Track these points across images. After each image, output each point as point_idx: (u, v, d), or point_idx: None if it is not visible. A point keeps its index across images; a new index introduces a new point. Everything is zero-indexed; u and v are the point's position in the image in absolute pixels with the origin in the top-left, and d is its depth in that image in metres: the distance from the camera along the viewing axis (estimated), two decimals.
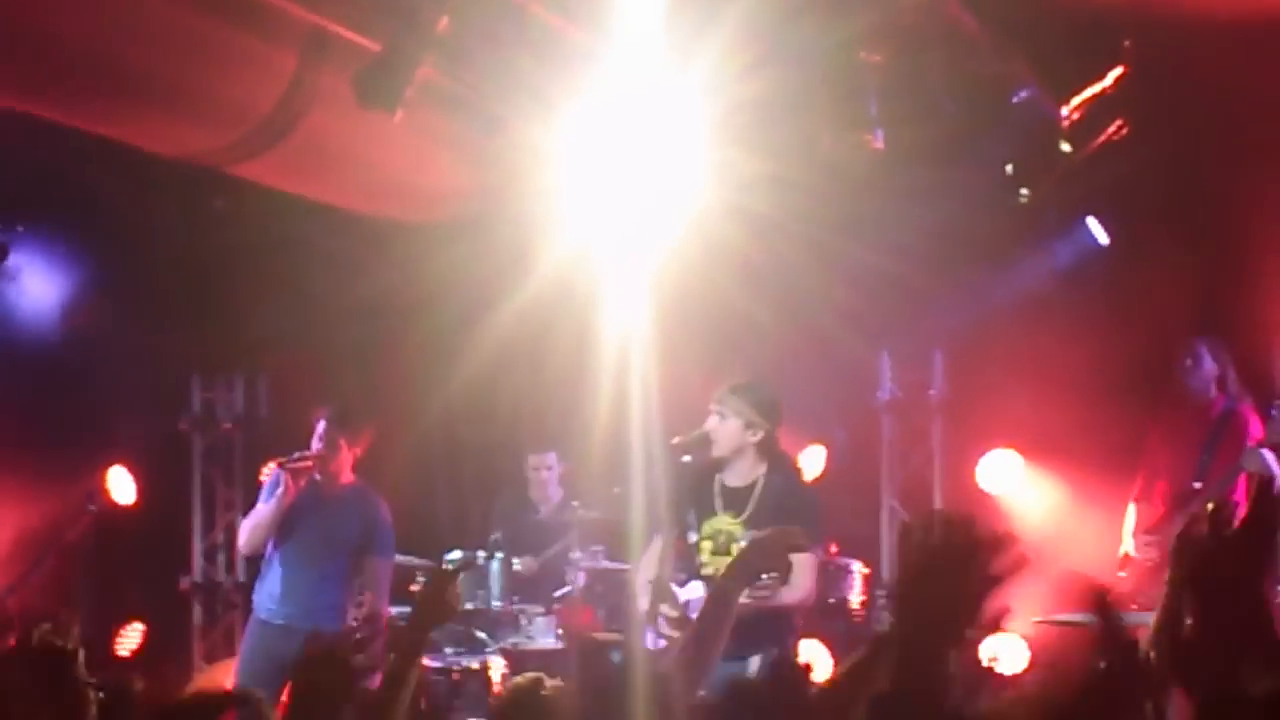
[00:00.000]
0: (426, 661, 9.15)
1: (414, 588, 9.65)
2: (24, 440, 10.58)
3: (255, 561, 11.01)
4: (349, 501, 8.58)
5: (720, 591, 4.99)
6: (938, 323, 10.45)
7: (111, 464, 9.96)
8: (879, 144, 7.73)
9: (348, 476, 8.61)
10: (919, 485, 10.90)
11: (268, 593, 8.60)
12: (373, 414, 8.88)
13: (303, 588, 8.46)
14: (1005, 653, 9.85)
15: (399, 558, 9.15)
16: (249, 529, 8.73)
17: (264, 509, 8.59)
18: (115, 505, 9.87)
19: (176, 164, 8.31)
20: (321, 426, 8.53)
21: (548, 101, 7.50)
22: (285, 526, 8.54)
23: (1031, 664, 9.78)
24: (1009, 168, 8.49)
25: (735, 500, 7.40)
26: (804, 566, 7.16)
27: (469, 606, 9.22)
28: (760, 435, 7.36)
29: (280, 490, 8.47)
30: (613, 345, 8.25)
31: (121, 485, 10.01)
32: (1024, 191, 8.50)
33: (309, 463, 8.47)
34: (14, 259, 10.17)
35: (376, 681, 4.17)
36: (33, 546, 9.43)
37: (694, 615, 7.16)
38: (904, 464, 11.02)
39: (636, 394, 7.95)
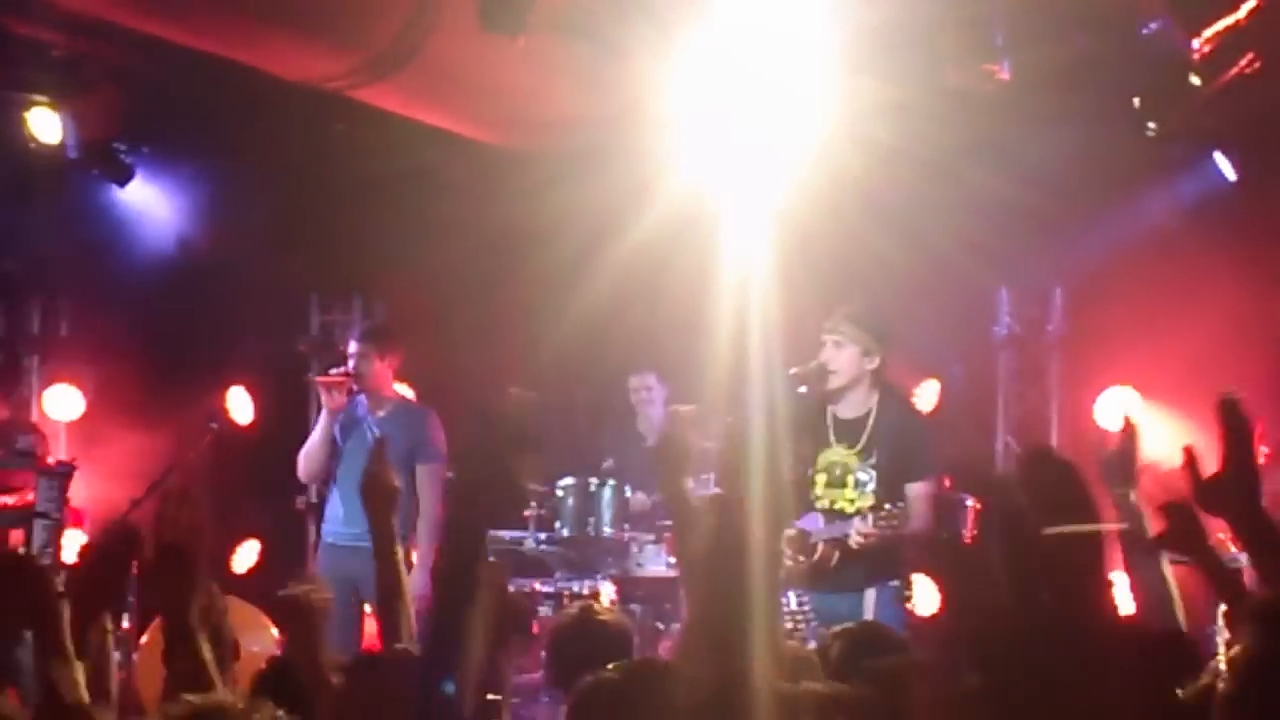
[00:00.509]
0: (538, 585, 9.25)
1: (527, 514, 9.75)
2: (148, 360, 10.76)
3: None
4: (395, 416, 8.72)
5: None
6: (1058, 258, 10.31)
7: (232, 384, 10.07)
8: (1005, 75, 7.62)
9: (390, 391, 8.77)
10: (1035, 422, 10.80)
11: (331, 515, 8.78)
12: (404, 334, 9.04)
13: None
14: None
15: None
16: (302, 457, 8.89)
17: (314, 434, 8.75)
18: (235, 425, 9.99)
19: (299, 88, 8.37)
20: (353, 345, 8.73)
21: (669, 29, 7.47)
22: (339, 450, 8.67)
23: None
24: (1137, 100, 8.35)
25: (848, 431, 7.37)
26: (921, 497, 7.15)
27: (578, 533, 9.29)
28: (876, 362, 7.31)
29: (323, 413, 8.61)
30: (731, 276, 8.22)
31: (241, 405, 10.11)
32: (1151, 124, 8.36)
33: (341, 378, 8.58)
34: (138, 181, 10.28)
35: None
36: (157, 464, 9.57)
37: (814, 541, 7.18)
38: (1020, 400, 10.92)
39: (754, 324, 7.92)
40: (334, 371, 8.74)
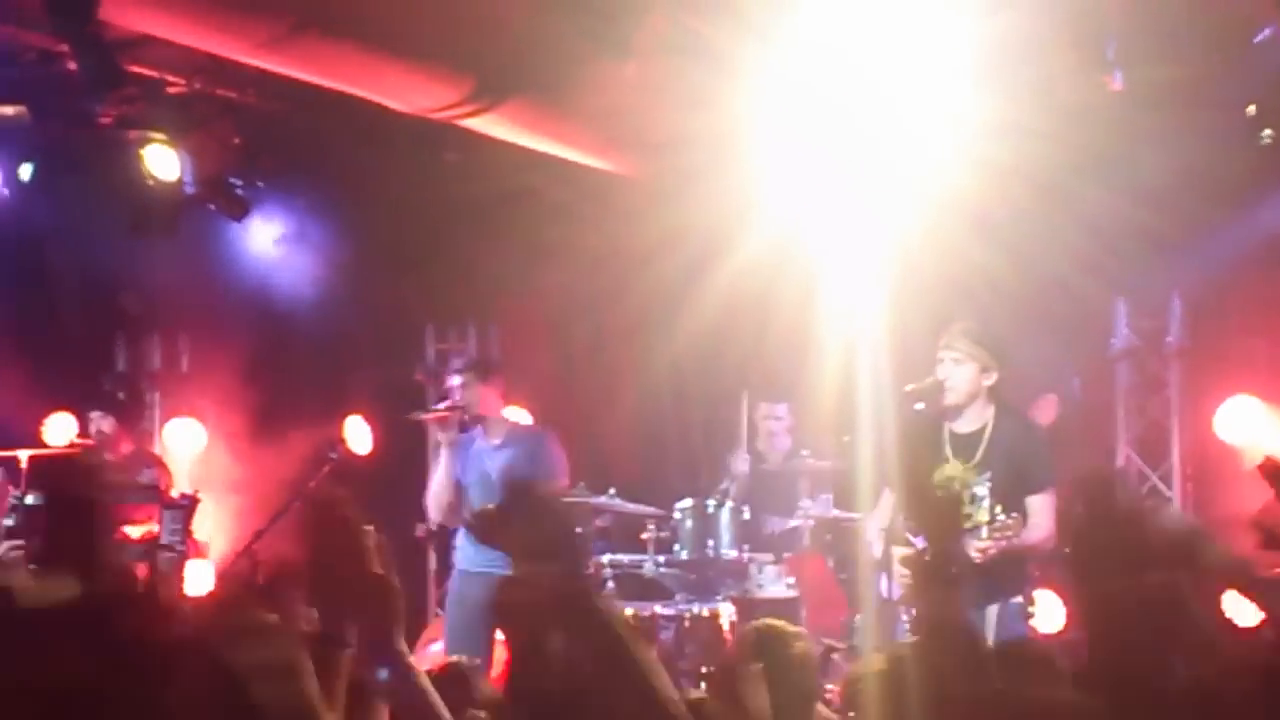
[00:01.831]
0: (658, 609, 9.26)
1: (645, 536, 9.77)
2: (267, 392, 10.92)
3: None
4: (514, 442, 8.76)
5: None
6: (1175, 269, 10.19)
7: (349, 415, 10.18)
8: (1117, 85, 7.56)
9: (498, 413, 8.81)
10: (1156, 434, 10.69)
11: (462, 545, 8.82)
12: (502, 359, 9.45)
13: None
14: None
15: (632, 505, 9.21)
16: (430, 499, 8.93)
17: (437, 474, 8.79)
18: (353, 455, 10.08)
19: (411, 119, 8.45)
20: (455, 379, 8.79)
21: (777, 45, 7.47)
22: (466, 483, 8.71)
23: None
24: (1251, 109, 8.25)
25: (964, 447, 7.32)
26: (1043, 508, 7.08)
27: (697, 556, 9.31)
28: (994, 379, 7.26)
29: (442, 451, 8.67)
30: (841, 295, 8.21)
31: (359, 435, 10.21)
32: (1267, 133, 8.26)
33: (444, 413, 8.63)
34: (254, 215, 10.42)
35: None
36: (278, 495, 9.69)
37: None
38: (1140, 413, 10.80)
39: (865, 343, 7.90)
40: (440, 406, 8.80)
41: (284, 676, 2.85)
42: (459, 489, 8.79)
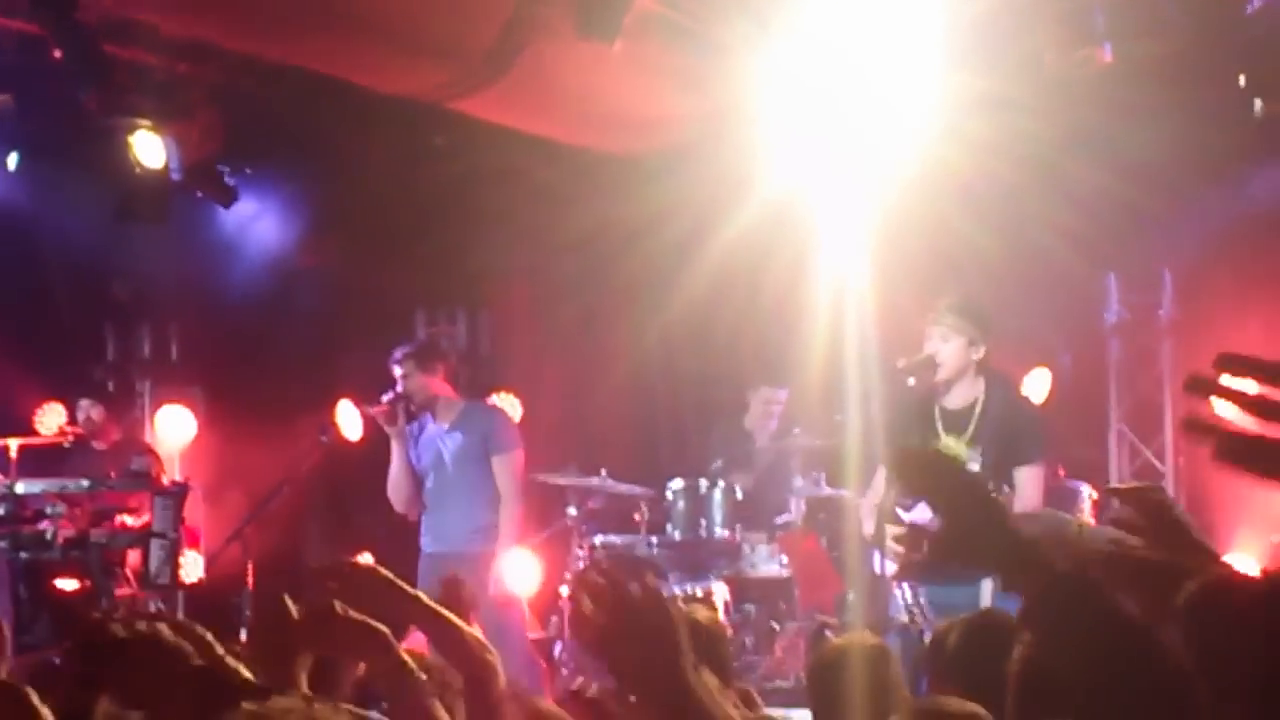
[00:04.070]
0: None
1: (637, 517, 9.76)
2: (257, 379, 10.90)
3: None
4: (461, 419, 8.68)
5: None
6: (1167, 243, 10.18)
7: (340, 398, 10.15)
8: (1107, 57, 7.53)
9: (448, 394, 8.71)
10: (1148, 408, 10.69)
11: (426, 527, 8.77)
12: (442, 344, 9.26)
13: (452, 517, 8.58)
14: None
15: (623, 486, 9.19)
16: (391, 491, 8.87)
17: (392, 464, 8.76)
18: (344, 439, 10.05)
19: (398, 102, 8.43)
20: (397, 369, 8.69)
21: (765, 25, 7.44)
22: (417, 470, 8.69)
23: None
24: (1242, 80, 8.22)
25: (956, 422, 7.30)
26: (1031, 481, 7.06)
27: (690, 536, 9.31)
28: (982, 352, 7.25)
29: (393, 443, 8.65)
30: (830, 272, 8.19)
31: (350, 420, 10.18)
32: (1258, 105, 8.22)
33: (386, 406, 8.60)
34: (242, 201, 10.39)
35: None
36: (269, 481, 9.67)
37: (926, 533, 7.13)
38: (1132, 387, 10.80)
39: (854, 321, 7.88)
40: (383, 399, 8.74)
41: None
42: (415, 477, 8.74)
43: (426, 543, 8.76)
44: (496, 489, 8.49)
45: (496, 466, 8.53)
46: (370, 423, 9.32)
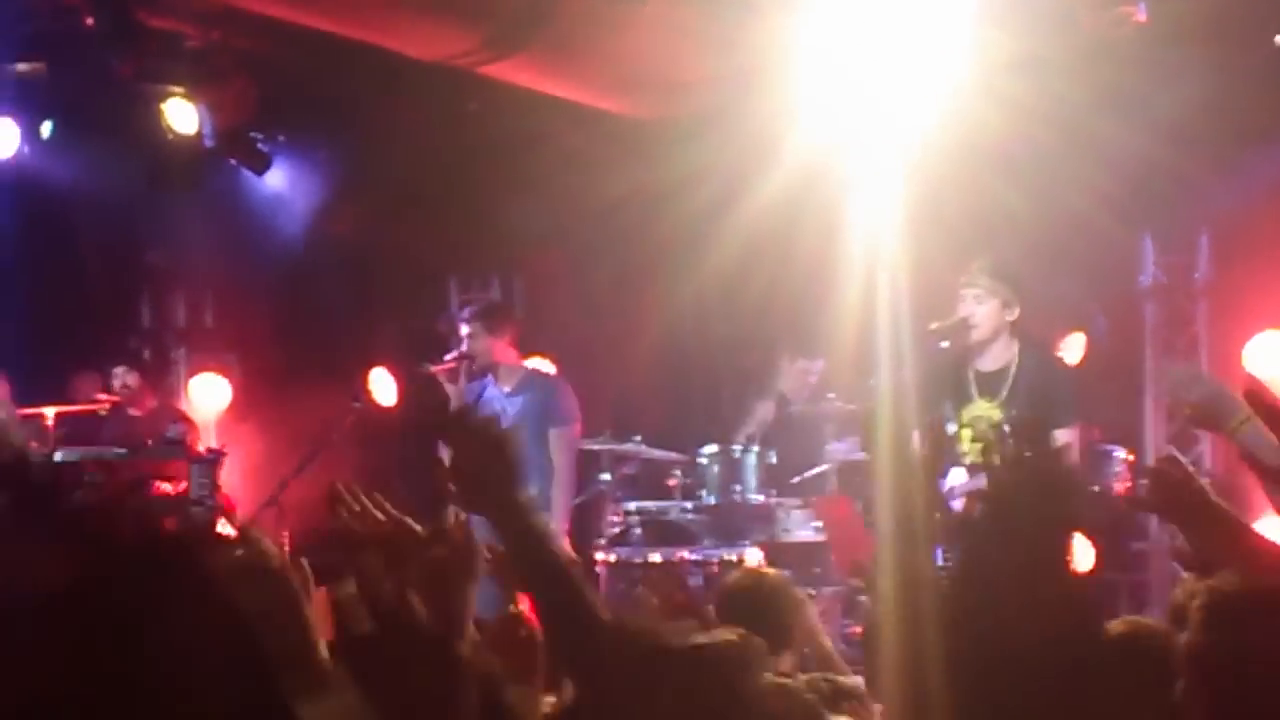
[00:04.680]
0: (685, 554, 9.25)
1: (672, 482, 9.76)
2: (292, 346, 10.92)
3: None
4: (522, 387, 8.68)
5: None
6: (1203, 204, 10.09)
7: (374, 365, 10.17)
8: (1141, 17, 7.48)
9: (514, 363, 8.69)
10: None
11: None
12: (512, 308, 9.23)
13: None
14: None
15: (657, 452, 9.18)
16: (443, 450, 8.82)
17: None
18: (378, 406, 10.08)
19: (430, 68, 8.42)
20: (464, 328, 8.69)
21: None
22: None
23: None
24: (1278, 39, 8.15)
25: (990, 385, 7.29)
26: (1063, 445, 7.04)
27: (723, 500, 9.29)
28: (1016, 313, 7.22)
29: (452, 402, 8.63)
30: (862, 235, 8.15)
31: (384, 387, 10.20)
32: None
33: (454, 363, 8.58)
34: (276, 168, 10.41)
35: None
36: (302, 444, 9.71)
37: (955, 501, 7.12)
38: (1167, 350, 10.73)
39: (886, 284, 7.85)
40: (447, 357, 8.74)
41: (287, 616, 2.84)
42: None
43: None
44: (548, 458, 8.47)
45: (553, 438, 8.52)
46: (410, 388, 9.36)
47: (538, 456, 8.47)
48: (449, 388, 8.71)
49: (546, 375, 8.97)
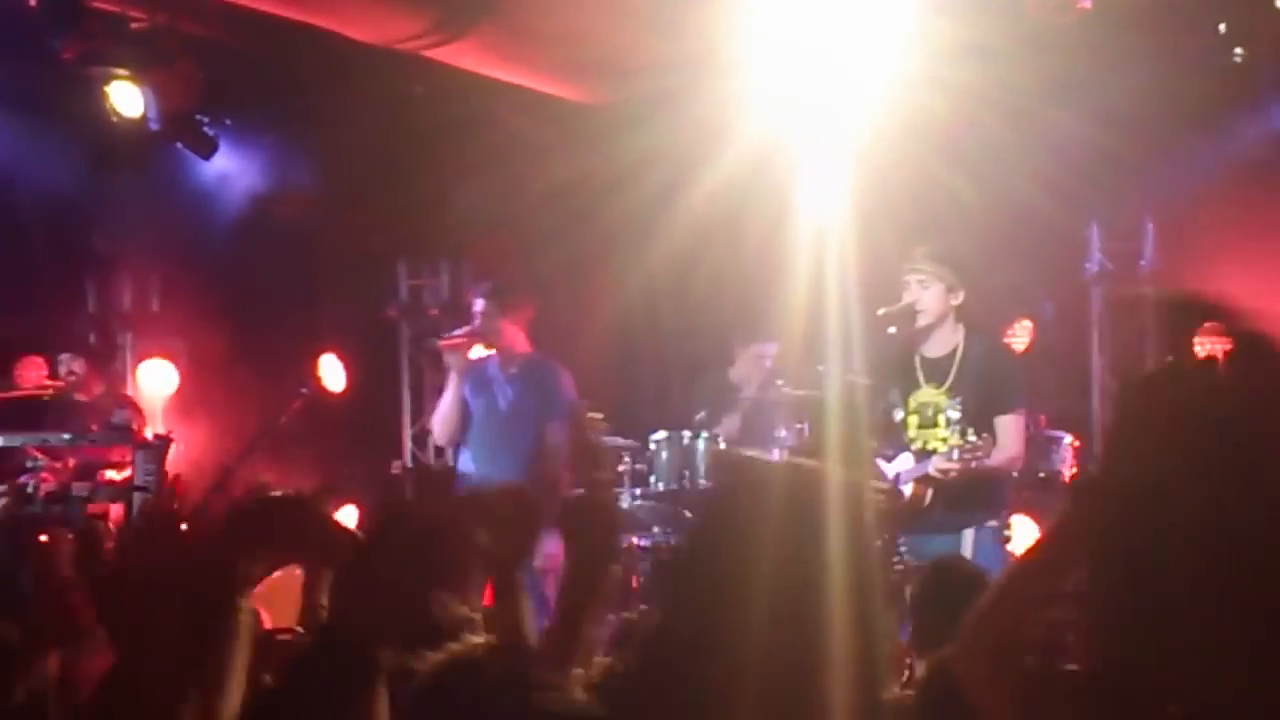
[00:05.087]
0: (635, 541, 9.24)
1: (621, 469, 9.74)
2: (239, 331, 10.86)
3: None
4: (525, 373, 8.58)
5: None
6: (1148, 192, 10.15)
7: (323, 351, 10.13)
8: (1086, 4, 7.50)
9: (523, 347, 8.59)
10: (1130, 357, 10.69)
11: (462, 467, 8.66)
12: (533, 288, 8.86)
13: (497, 465, 8.47)
14: None
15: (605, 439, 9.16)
16: (437, 422, 8.78)
17: (445, 397, 8.64)
18: (327, 392, 10.04)
19: (378, 52, 8.38)
20: (477, 303, 8.55)
21: None
22: (473, 408, 8.56)
23: None
24: (1222, 27, 8.20)
25: (937, 371, 7.32)
26: (1011, 429, 7.08)
27: (674, 487, 9.29)
28: (961, 298, 7.25)
29: (450, 375, 8.53)
30: (811, 222, 8.16)
31: (333, 372, 10.16)
32: (1238, 51, 8.21)
33: (463, 339, 8.49)
34: (222, 152, 10.34)
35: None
36: (250, 430, 9.66)
37: (903, 486, 7.14)
38: (1115, 336, 10.80)
39: (835, 271, 7.87)
40: (457, 333, 8.62)
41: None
42: (466, 414, 8.62)
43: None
44: (535, 448, 8.39)
45: (550, 430, 8.46)
46: (359, 373, 9.31)
47: (528, 442, 8.41)
48: (451, 360, 8.56)
49: (549, 364, 8.77)
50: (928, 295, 7.23)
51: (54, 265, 11.08)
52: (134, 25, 8.90)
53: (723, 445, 9.45)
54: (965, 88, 8.17)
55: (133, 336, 11.59)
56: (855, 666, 2.29)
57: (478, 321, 8.55)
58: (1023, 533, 8.78)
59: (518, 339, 8.59)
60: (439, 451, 11.76)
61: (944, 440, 7.12)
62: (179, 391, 11.11)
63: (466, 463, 8.64)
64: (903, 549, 7.19)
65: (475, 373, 8.66)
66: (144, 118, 9.24)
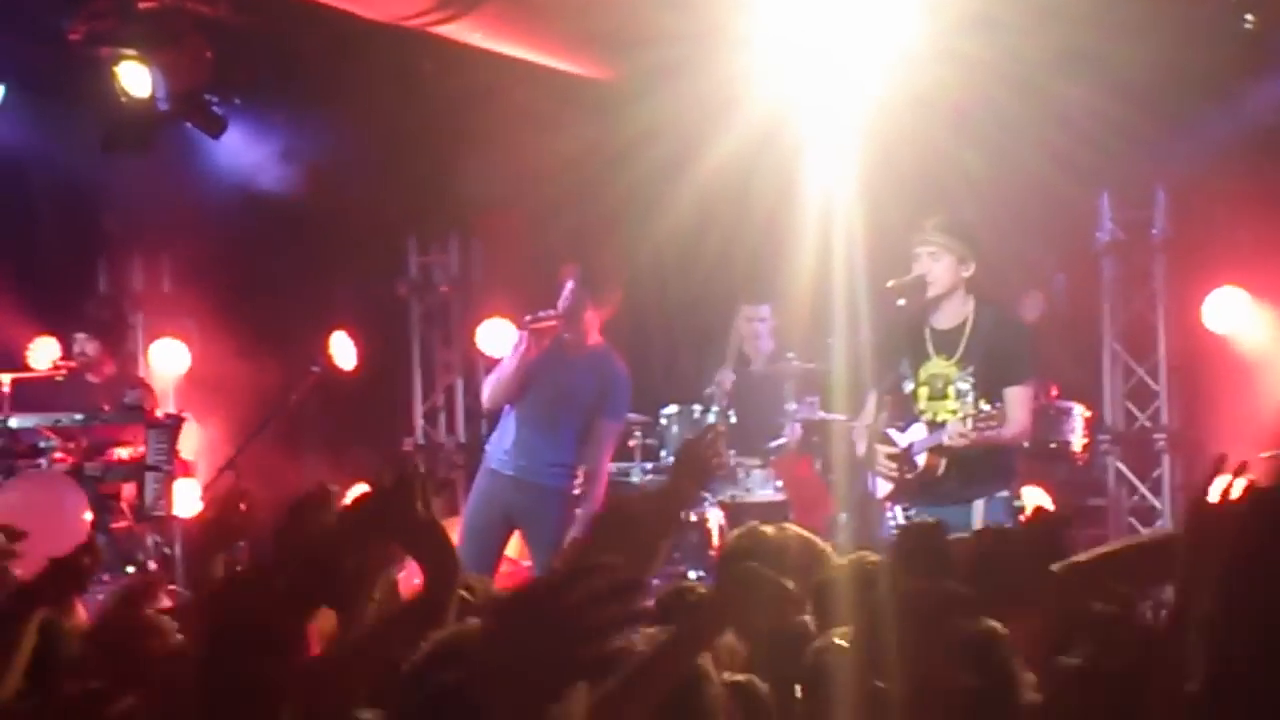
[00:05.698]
0: None
1: (632, 443, 9.77)
2: (250, 310, 10.88)
3: (475, 421, 11.19)
4: (590, 362, 8.38)
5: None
6: (1159, 161, 10.12)
7: (333, 329, 10.14)
8: None
9: (595, 338, 8.43)
10: (1142, 327, 10.69)
11: (502, 445, 8.44)
12: (622, 276, 8.71)
13: (537, 443, 8.33)
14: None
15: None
16: (491, 384, 8.58)
17: (507, 364, 8.42)
18: (338, 370, 10.05)
19: (386, 29, 8.37)
20: (568, 287, 8.37)
21: None
22: (527, 383, 8.41)
23: None
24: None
25: (947, 342, 7.29)
26: (1019, 401, 7.06)
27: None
28: (971, 269, 7.22)
29: (523, 347, 8.36)
30: (819, 194, 8.15)
31: (344, 350, 10.17)
32: (1248, 18, 8.18)
33: (551, 323, 8.33)
34: (231, 132, 10.32)
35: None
36: (262, 412, 9.69)
37: (916, 457, 7.14)
38: (1126, 306, 10.78)
39: (843, 243, 7.85)
40: (543, 314, 8.42)
41: None
42: (525, 386, 8.46)
43: (495, 457, 8.47)
44: (585, 434, 8.32)
45: (601, 427, 8.35)
46: (370, 351, 9.27)
47: (580, 430, 8.33)
48: (532, 339, 8.39)
49: (616, 361, 8.52)
50: (938, 267, 7.20)
51: (65, 246, 11.10)
52: (142, 5, 8.88)
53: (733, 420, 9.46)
54: (975, 59, 8.14)
55: (144, 316, 11.61)
56: None
57: (565, 303, 8.35)
58: (1034, 503, 8.78)
59: (593, 328, 8.41)
60: (450, 426, 11.78)
61: (953, 412, 7.10)
62: (190, 371, 11.12)
63: (509, 427, 8.49)
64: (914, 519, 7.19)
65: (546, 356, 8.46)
66: (153, 98, 9.22)
